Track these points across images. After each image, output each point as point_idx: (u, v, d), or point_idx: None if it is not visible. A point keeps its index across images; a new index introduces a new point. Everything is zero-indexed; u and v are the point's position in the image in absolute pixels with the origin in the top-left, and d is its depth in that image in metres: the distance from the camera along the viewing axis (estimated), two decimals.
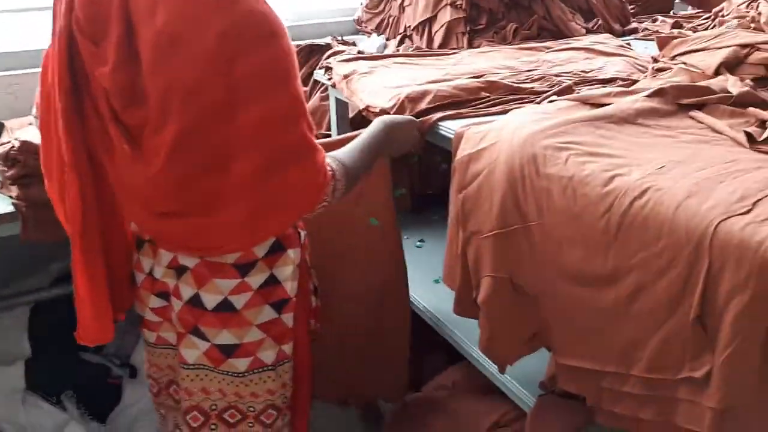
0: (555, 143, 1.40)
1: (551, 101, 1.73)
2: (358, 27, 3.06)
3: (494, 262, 1.48)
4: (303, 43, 2.77)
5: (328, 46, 2.76)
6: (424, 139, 1.76)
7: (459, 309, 1.64)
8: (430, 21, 2.69)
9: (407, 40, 2.78)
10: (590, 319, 1.32)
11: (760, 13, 1.81)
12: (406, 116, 1.71)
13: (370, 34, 2.95)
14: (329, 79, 2.27)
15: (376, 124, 1.64)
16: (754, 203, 1.13)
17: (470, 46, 2.59)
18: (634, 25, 2.79)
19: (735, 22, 1.88)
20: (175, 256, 1.43)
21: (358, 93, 2.02)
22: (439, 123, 1.75)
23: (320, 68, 2.39)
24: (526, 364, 1.58)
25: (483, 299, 1.50)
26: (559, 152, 1.38)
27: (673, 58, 1.92)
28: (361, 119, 2.11)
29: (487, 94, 1.86)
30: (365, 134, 1.61)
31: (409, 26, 2.76)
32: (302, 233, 1.55)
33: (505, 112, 1.71)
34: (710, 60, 1.78)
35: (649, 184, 1.22)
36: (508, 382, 1.70)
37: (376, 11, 2.99)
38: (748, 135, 1.42)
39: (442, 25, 2.63)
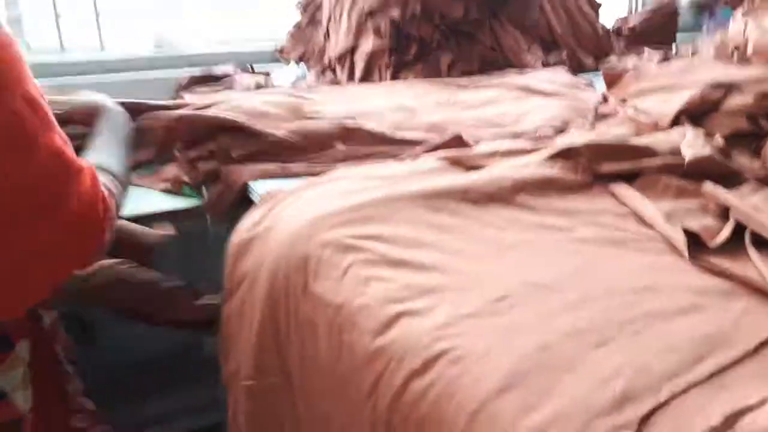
0: (343, 237, 0.80)
1: (417, 157, 1.14)
2: (280, 56, 2.52)
3: (248, 425, 0.87)
4: (200, 71, 2.24)
5: (225, 76, 2.22)
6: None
7: None
8: (353, 50, 2.14)
9: (329, 73, 2.23)
10: None
11: (747, 39, 1.18)
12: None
13: (289, 63, 2.42)
14: None
15: (106, 110, 1.10)
16: (645, 418, 0.50)
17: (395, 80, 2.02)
18: (613, 59, 2.17)
19: (711, 49, 1.26)
20: None
21: None
22: (250, 183, 1.16)
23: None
24: None
25: None
26: (341, 254, 0.78)
27: (624, 100, 1.31)
28: None
29: (339, 145, 1.27)
30: (108, 124, 1.07)
31: (333, 56, 2.22)
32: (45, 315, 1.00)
33: None
34: (668, 106, 1.16)
35: (446, 346, 0.61)
36: None
37: (300, 40, 2.46)
38: (691, 236, 0.79)
39: (363, 56, 2.07)
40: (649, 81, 1.27)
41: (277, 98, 1.55)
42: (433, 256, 0.77)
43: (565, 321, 0.64)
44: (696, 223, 0.81)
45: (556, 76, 1.78)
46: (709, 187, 0.88)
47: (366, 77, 2.06)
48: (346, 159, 1.24)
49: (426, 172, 1.04)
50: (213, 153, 1.25)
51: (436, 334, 0.62)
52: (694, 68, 1.21)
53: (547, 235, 0.84)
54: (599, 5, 2.43)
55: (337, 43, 2.22)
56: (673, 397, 0.52)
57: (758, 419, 0.49)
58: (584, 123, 1.37)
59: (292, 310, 0.79)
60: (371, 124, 1.37)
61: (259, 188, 1.14)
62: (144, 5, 2.37)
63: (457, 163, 1.07)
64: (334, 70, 2.23)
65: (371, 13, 2.07)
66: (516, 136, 1.33)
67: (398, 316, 0.66)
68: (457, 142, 1.24)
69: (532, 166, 0.99)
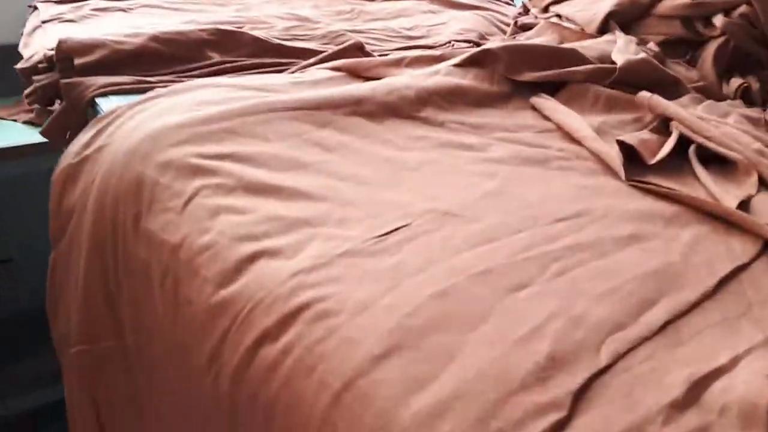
0: (189, 156, 0.60)
1: (306, 69, 0.94)
2: None
3: (83, 401, 0.68)
4: None
5: None
6: None
7: None
8: None
9: None
10: None
11: None
12: None
13: None
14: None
15: None
16: (580, 392, 0.35)
17: None
18: None
19: None
20: None
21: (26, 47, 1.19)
22: (96, 99, 0.93)
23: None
24: None
25: None
26: (185, 179, 0.59)
27: (545, 9, 1.15)
28: None
29: (214, 55, 1.05)
30: None
31: None
32: None
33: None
34: (594, 10, 1.01)
35: (310, 296, 0.44)
36: None
37: None
38: (626, 149, 0.65)
39: None
40: None
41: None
42: (312, 180, 0.59)
43: (472, 259, 0.48)
44: (632, 138, 0.66)
45: None
46: (645, 95, 0.74)
47: None
48: (221, 71, 1.03)
49: (313, 83, 0.84)
50: (52, 65, 1.01)
51: (297, 280, 0.45)
52: None
53: (456, 154, 0.67)
54: None
55: None
56: (617, 359, 0.37)
57: (733, 386, 0.35)
58: (502, 37, 1.21)
59: (120, 253, 0.60)
60: (256, 32, 1.15)
61: (107, 106, 0.91)
62: None
63: (353, 73, 0.88)
64: None
65: None
66: (427, 48, 1.15)
67: (252, 258, 0.48)
68: (355, 51, 1.04)
69: (441, 74, 0.81)
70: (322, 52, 1.09)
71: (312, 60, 1.02)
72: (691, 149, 0.65)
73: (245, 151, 0.62)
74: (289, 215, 0.53)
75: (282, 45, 1.09)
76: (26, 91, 1.06)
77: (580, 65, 0.83)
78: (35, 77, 1.02)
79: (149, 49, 1.02)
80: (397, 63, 0.89)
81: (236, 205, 0.55)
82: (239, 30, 1.09)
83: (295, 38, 1.15)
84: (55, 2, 1.48)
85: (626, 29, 0.97)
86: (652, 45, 0.90)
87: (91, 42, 1.00)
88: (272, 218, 0.53)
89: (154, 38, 1.03)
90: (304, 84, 0.84)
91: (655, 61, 0.81)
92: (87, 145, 0.71)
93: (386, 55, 1.11)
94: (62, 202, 0.72)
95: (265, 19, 1.28)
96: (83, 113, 0.95)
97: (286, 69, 1.04)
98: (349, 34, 1.17)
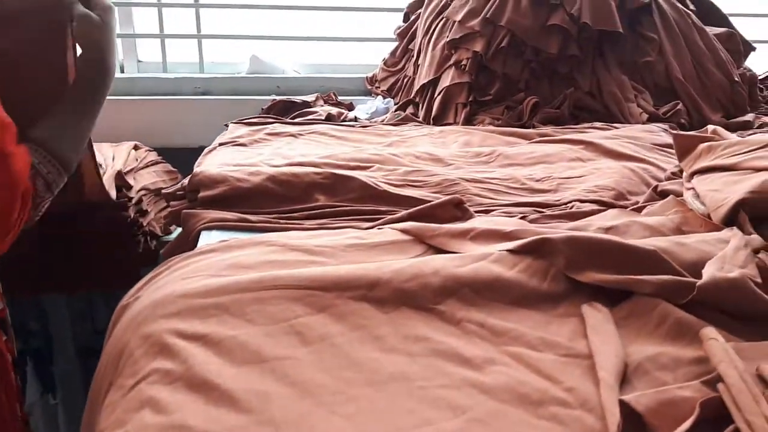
0: (166, 333, 0.62)
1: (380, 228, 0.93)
2: (369, 86, 2.40)
3: None
4: (280, 98, 2.19)
5: (305, 104, 2.15)
6: None
7: None
8: (434, 84, 1.95)
9: (412, 107, 2.06)
10: None
11: None
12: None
13: (378, 95, 2.29)
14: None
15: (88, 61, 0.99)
16: None
17: (468, 122, 1.80)
18: (748, 117, 1.74)
19: None
20: None
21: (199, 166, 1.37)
22: (203, 230, 1.03)
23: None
24: None
25: None
26: (148, 357, 0.60)
27: (692, 174, 0.99)
28: None
29: (320, 198, 1.09)
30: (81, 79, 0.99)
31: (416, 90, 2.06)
32: None
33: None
34: (728, 193, 0.84)
35: None
36: None
37: (394, 70, 2.32)
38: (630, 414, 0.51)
39: (440, 92, 1.88)
40: (723, 154, 0.94)
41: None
42: (254, 382, 0.56)
43: None
44: (649, 399, 0.52)
45: (649, 135, 1.44)
46: (706, 334, 0.58)
47: (440, 117, 1.86)
48: (322, 215, 1.06)
49: (371, 246, 0.83)
50: (185, 193, 1.14)
51: None
52: None
53: (442, 369, 0.59)
54: (750, 49, 2.00)
55: (421, 76, 2.06)
56: None
57: None
58: (638, 202, 1.07)
59: (95, 417, 0.63)
60: (374, 174, 1.18)
61: (206, 239, 1.00)
62: (243, 27, 2.38)
63: (419, 238, 0.85)
64: (417, 105, 2.06)
65: (455, 45, 1.87)
66: (540, 206, 1.06)
67: None
68: (450, 208, 1.00)
69: (488, 260, 0.74)
70: (427, 201, 1.08)
71: (395, 215, 1.00)
72: None
73: (221, 334, 0.62)
74: (197, 427, 0.51)
75: (387, 192, 1.10)
76: (162, 212, 1.22)
77: (656, 272, 0.68)
78: (172, 202, 1.17)
79: (263, 189, 1.10)
80: (463, 234, 0.83)
81: (164, 401, 0.54)
82: (351, 175, 1.12)
83: (407, 184, 1.15)
84: (245, 123, 1.69)
85: (758, 220, 0.79)
86: None
87: (218, 177, 1.12)
88: (178, 427, 0.51)
89: (271, 178, 1.12)
90: (360, 247, 0.83)
91: (751, 286, 0.64)
92: (135, 291, 0.78)
93: (493, 210, 1.05)
94: (108, 338, 0.79)
95: (400, 159, 1.30)
96: (195, 242, 1.05)
97: (382, 217, 1.05)
98: (464, 183, 1.13)
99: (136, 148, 1.70)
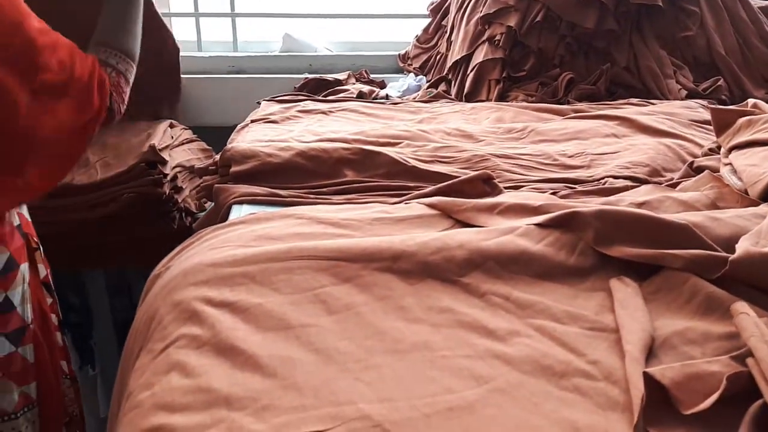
0: (195, 300, 0.64)
1: (407, 203, 0.93)
2: (402, 64, 2.38)
3: None
4: (312, 76, 2.20)
5: (337, 82, 2.15)
6: None
7: None
8: (467, 60, 1.93)
9: (444, 84, 2.05)
10: None
11: None
12: None
13: (410, 73, 2.27)
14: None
15: None
16: None
17: (502, 99, 1.78)
18: None
19: None
20: None
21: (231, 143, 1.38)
22: (234, 204, 1.04)
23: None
24: None
25: None
26: (177, 323, 0.62)
27: (730, 150, 0.96)
28: None
29: (349, 173, 1.09)
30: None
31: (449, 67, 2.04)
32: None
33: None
34: (766, 166, 0.81)
35: None
36: None
37: (426, 46, 2.29)
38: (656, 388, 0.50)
39: (473, 68, 1.86)
40: (759, 129, 0.91)
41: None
42: (280, 348, 0.57)
43: None
44: (675, 371, 0.51)
45: (687, 111, 1.40)
46: (738, 308, 0.57)
47: (473, 93, 1.84)
48: (350, 190, 1.07)
49: (397, 220, 0.83)
50: (216, 168, 1.16)
51: None
52: None
53: (466, 340, 0.59)
54: None
55: (454, 52, 2.03)
56: None
57: None
58: (672, 178, 1.04)
59: (126, 380, 0.65)
60: (403, 150, 1.18)
61: (236, 213, 1.01)
62: (276, 5, 2.38)
63: (446, 212, 0.84)
64: (450, 82, 2.04)
65: (488, 20, 1.84)
66: (572, 182, 1.04)
67: None
68: (478, 183, 0.99)
69: (515, 233, 0.73)
70: (455, 176, 1.07)
71: (423, 191, 1.00)
72: (754, 408, 0.48)
73: (248, 302, 0.63)
74: (221, 390, 0.53)
75: (416, 168, 1.10)
76: (196, 189, 1.24)
77: (688, 247, 0.67)
78: (205, 177, 1.18)
79: (294, 164, 1.11)
80: (491, 209, 0.83)
81: (191, 365, 0.56)
82: (379, 151, 1.12)
83: (436, 160, 1.14)
84: (278, 101, 1.70)
85: None
86: None
87: (248, 152, 1.13)
88: (205, 390, 0.53)
89: (301, 153, 1.12)
90: (386, 221, 0.83)
91: None
92: (166, 261, 0.80)
93: (523, 186, 1.04)
94: (140, 306, 0.81)
95: (429, 135, 1.30)
96: (226, 216, 1.06)
97: (411, 192, 1.04)
98: (494, 159, 1.12)
99: (171, 126, 1.73)
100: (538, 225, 0.74)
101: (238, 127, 1.49)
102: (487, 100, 1.78)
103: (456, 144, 1.21)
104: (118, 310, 1.68)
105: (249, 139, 1.32)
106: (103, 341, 1.69)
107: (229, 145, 1.17)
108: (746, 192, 0.82)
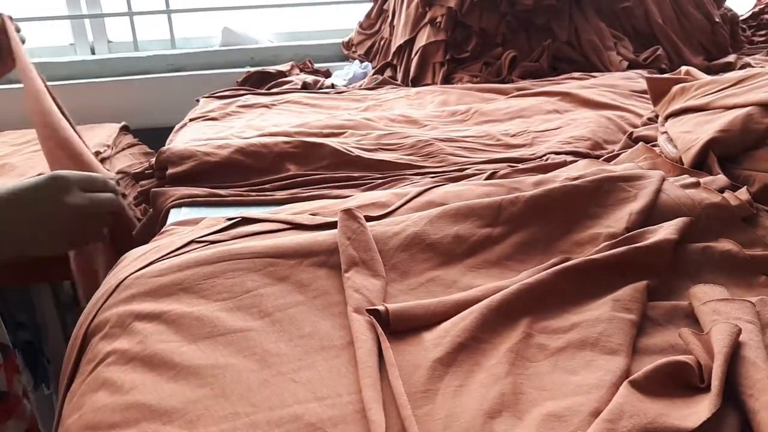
0: (126, 314, 0.61)
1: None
2: (346, 51, 2.35)
3: None
4: (255, 69, 2.15)
5: (281, 74, 2.10)
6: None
7: None
8: (410, 44, 1.91)
9: (390, 70, 2.02)
10: None
11: None
12: (97, 175, 0.88)
13: (355, 60, 2.24)
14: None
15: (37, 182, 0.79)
16: None
17: (447, 82, 1.77)
18: (730, 58, 1.71)
19: None
20: None
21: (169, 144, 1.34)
22: (172, 209, 1.01)
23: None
24: None
25: None
26: (108, 340, 0.59)
27: (667, 117, 0.96)
28: None
29: (292, 167, 1.07)
30: None
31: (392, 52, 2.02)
32: None
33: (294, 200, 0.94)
34: (699, 132, 0.82)
35: None
36: None
37: (370, 32, 2.27)
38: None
39: (417, 51, 1.84)
40: (696, 94, 0.92)
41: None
42: (214, 355, 0.55)
43: None
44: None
45: (627, 82, 1.41)
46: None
47: (418, 78, 1.83)
48: (294, 185, 1.04)
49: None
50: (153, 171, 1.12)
51: None
52: (750, 78, 0.84)
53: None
54: None
55: (397, 37, 2.01)
56: None
57: None
58: (613, 149, 1.05)
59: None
60: (346, 140, 1.16)
61: (175, 217, 0.98)
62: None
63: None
64: (395, 67, 2.02)
65: (428, 2, 1.83)
66: (514, 161, 1.03)
67: None
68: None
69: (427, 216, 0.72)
70: (400, 163, 1.06)
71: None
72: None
73: (177, 311, 0.61)
74: (152, 404, 0.50)
75: (360, 157, 1.08)
76: (133, 195, 1.20)
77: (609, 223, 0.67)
78: (141, 182, 1.14)
79: (233, 161, 1.08)
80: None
81: (120, 381, 0.53)
82: (322, 143, 1.10)
83: (380, 148, 1.12)
84: (217, 97, 1.66)
85: (733, 163, 0.77)
86: (744, 190, 0.69)
87: (185, 152, 1.09)
88: (134, 406, 0.50)
89: (240, 150, 1.09)
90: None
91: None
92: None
93: (467, 168, 1.03)
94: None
95: (374, 123, 1.28)
96: (164, 221, 1.03)
97: (356, 183, 1.03)
98: (438, 143, 1.11)
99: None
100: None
101: (176, 127, 1.45)
102: (433, 83, 1.77)
103: (400, 130, 1.20)
104: (69, 325, 1.63)
105: (186, 138, 1.28)
106: (57, 359, 1.64)
107: (165, 147, 1.13)
108: (681, 160, 0.82)
